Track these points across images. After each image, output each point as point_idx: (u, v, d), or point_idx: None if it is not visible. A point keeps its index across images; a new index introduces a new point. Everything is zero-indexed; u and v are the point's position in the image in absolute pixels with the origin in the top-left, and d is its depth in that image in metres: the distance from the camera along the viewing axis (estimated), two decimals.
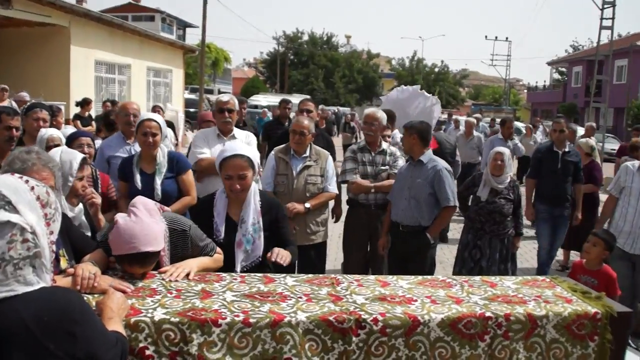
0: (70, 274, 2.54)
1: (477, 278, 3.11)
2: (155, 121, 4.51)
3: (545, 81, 59.15)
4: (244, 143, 5.51)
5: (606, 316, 2.66)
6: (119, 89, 20.51)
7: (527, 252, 8.94)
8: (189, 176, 4.73)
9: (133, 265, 2.70)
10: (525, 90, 66.95)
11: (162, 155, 4.58)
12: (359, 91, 57.94)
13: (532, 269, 7.64)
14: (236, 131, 5.61)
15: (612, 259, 4.98)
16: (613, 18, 22.70)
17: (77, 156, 3.39)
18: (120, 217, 2.72)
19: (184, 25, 49.75)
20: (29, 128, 5.13)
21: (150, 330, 2.30)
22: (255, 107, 27.95)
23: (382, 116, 6.03)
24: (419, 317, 2.49)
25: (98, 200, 3.65)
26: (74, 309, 1.73)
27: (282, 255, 3.36)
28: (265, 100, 32.48)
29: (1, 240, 1.58)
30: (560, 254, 8.21)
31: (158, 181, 4.50)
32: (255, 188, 3.59)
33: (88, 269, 2.56)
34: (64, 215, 2.96)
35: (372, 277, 3.06)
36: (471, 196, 6.20)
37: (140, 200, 2.90)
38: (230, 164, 3.44)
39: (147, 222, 2.70)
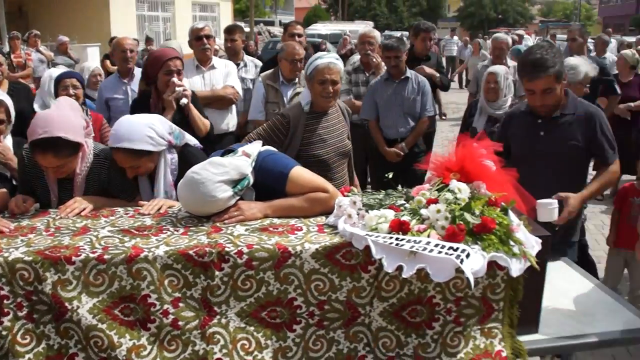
0: None
1: None
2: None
3: None
4: (223, 74, 5.41)
5: None
6: (163, 27, 20.40)
7: None
8: None
9: (47, 152, 2.68)
10: (596, 5, 62.12)
11: None
12: (423, 14, 55.73)
13: None
14: (215, 60, 5.44)
15: None
16: None
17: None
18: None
19: None
20: None
21: (4, 270, 2.26)
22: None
23: (378, 35, 5.88)
24: (289, 248, 2.32)
25: None
26: None
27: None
28: (325, 29, 29.40)
29: None
30: None
31: None
32: None
33: None
34: None
35: None
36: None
37: (65, 99, 3.07)
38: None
39: (66, 113, 2.77)
